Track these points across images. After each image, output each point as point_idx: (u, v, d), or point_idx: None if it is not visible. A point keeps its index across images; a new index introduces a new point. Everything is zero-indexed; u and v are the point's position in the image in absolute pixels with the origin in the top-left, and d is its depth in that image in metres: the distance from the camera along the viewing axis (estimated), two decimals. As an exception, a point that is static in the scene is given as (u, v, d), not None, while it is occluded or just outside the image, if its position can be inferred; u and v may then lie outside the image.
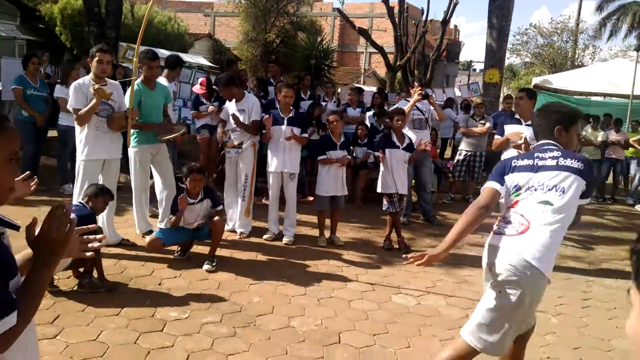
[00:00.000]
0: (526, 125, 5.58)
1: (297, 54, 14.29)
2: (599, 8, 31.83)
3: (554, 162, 2.68)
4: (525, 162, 2.77)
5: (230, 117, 5.70)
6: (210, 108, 7.43)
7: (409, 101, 6.95)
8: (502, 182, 2.79)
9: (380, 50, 17.80)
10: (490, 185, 2.82)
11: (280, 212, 6.05)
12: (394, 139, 5.84)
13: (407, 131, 6.69)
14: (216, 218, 4.88)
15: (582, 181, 2.60)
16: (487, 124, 9.02)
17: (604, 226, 8.30)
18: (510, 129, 5.68)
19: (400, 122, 5.81)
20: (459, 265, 5.56)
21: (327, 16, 32.49)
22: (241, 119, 5.70)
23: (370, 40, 17.13)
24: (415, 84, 7.07)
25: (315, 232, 6.14)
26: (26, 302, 1.30)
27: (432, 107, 6.99)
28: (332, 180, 5.77)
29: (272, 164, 5.81)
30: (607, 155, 10.52)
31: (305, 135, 5.88)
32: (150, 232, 5.51)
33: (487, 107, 11.15)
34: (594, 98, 18.71)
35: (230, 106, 5.85)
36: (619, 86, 16.99)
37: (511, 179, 2.77)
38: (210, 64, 18.27)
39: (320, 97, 8.97)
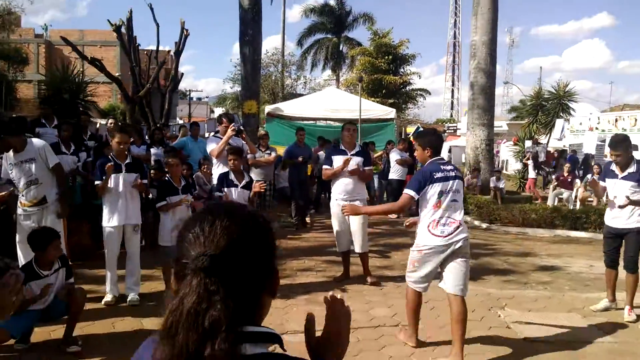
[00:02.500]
0: (351, 154, 6.15)
1: (47, 88, 12.51)
2: (299, 43, 36.05)
3: (454, 173, 4.17)
4: (440, 174, 4.11)
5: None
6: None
7: (219, 137, 6.88)
8: (419, 192, 4.09)
9: (117, 81, 16.87)
10: (409, 193, 4.14)
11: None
12: (232, 177, 5.73)
13: (220, 168, 6.66)
14: (77, 289, 4.09)
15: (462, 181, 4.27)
16: (273, 154, 9.48)
17: (381, 235, 9.53)
18: (339, 160, 6.14)
19: (236, 162, 5.73)
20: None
21: (29, 43, 28.97)
22: (33, 169, 4.84)
23: (105, 71, 16.02)
24: (224, 119, 7.02)
25: (155, 285, 5.60)
26: None
27: (243, 142, 7.06)
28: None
29: (113, 218, 5.08)
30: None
31: (146, 180, 5.32)
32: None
33: (250, 137, 11.72)
34: (319, 122, 21.14)
35: (8, 159, 4.89)
36: (338, 111, 19.60)
37: (434, 187, 4.06)
38: None
39: (102, 137, 8.09)
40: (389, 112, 20.77)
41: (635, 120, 25.70)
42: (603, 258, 5.48)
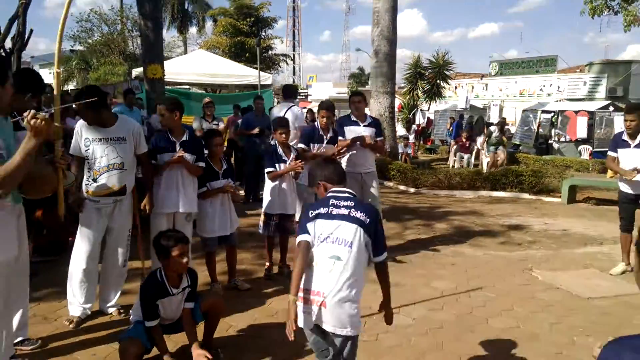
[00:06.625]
0: (364, 125, 5.85)
1: None
2: None
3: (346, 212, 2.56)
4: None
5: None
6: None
7: (208, 121, 6.06)
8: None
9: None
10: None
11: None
12: (280, 152, 5.08)
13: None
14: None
15: None
16: (221, 125, 8.65)
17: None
18: (351, 131, 5.81)
19: (285, 135, 5.08)
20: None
21: None
22: (120, 151, 3.91)
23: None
24: (209, 106, 6.17)
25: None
26: None
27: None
28: (217, 217, 4.58)
29: (166, 203, 4.26)
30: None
31: (202, 164, 4.44)
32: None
33: (153, 102, 10.72)
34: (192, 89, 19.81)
35: (85, 132, 3.87)
36: (214, 76, 18.59)
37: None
38: None
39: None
40: (267, 78, 20.27)
41: (472, 87, 28.73)
42: (619, 224, 5.76)
